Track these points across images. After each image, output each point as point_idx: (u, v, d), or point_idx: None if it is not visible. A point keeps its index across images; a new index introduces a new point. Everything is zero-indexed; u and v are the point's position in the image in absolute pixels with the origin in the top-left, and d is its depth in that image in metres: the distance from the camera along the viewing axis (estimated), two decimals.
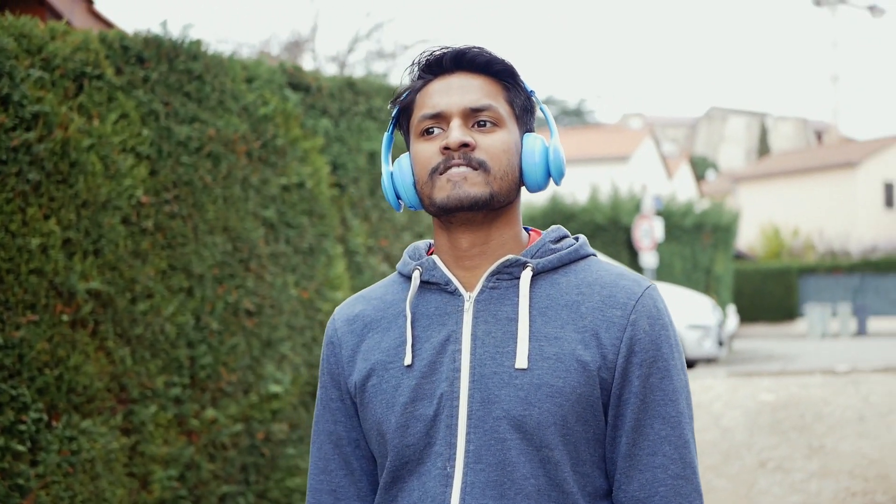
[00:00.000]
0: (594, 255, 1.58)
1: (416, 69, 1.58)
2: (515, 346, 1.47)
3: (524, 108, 1.58)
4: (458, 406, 1.47)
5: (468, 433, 1.46)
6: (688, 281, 17.98)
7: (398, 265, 1.64)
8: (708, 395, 8.79)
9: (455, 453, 1.46)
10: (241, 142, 4.45)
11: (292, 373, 4.64)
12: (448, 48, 1.56)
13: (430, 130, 1.52)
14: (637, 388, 1.47)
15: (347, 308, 1.66)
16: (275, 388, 4.46)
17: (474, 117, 1.52)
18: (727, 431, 7.66)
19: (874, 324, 23.87)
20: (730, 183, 41.49)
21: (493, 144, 1.51)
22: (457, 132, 1.50)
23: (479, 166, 1.49)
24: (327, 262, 4.96)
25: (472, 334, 1.50)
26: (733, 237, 20.06)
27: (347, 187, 5.42)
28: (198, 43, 4.26)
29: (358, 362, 1.59)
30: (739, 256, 28.72)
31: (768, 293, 26.41)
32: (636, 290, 1.51)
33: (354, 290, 5.13)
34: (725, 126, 60.87)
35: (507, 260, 1.51)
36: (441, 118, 1.52)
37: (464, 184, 1.48)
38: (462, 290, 1.53)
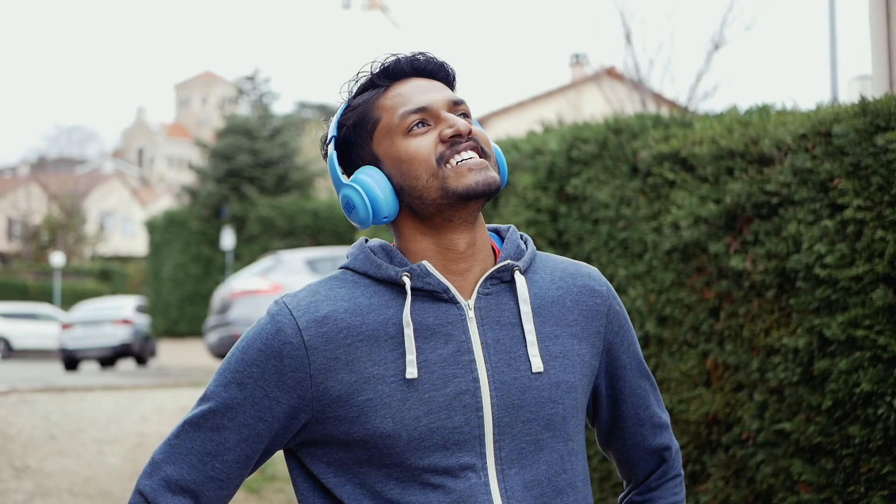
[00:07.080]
0: None
1: (360, 80, 1.56)
2: (525, 351, 1.48)
3: None
4: (482, 416, 1.46)
5: (497, 441, 1.46)
6: None
7: (359, 265, 1.53)
8: None
9: (486, 462, 1.46)
10: None
11: None
12: (398, 55, 1.56)
13: (418, 125, 1.49)
14: (627, 360, 1.62)
15: (308, 307, 1.48)
16: None
17: (455, 110, 1.51)
18: None
19: None
20: None
21: (482, 134, 1.51)
22: (460, 119, 1.49)
23: (483, 153, 1.49)
24: None
25: (482, 343, 1.48)
26: None
27: None
28: None
29: (339, 373, 1.46)
30: None
31: None
32: (598, 276, 1.60)
33: None
34: None
35: (505, 265, 1.51)
36: (427, 111, 1.49)
37: (485, 169, 1.46)
38: (459, 297, 1.49)
